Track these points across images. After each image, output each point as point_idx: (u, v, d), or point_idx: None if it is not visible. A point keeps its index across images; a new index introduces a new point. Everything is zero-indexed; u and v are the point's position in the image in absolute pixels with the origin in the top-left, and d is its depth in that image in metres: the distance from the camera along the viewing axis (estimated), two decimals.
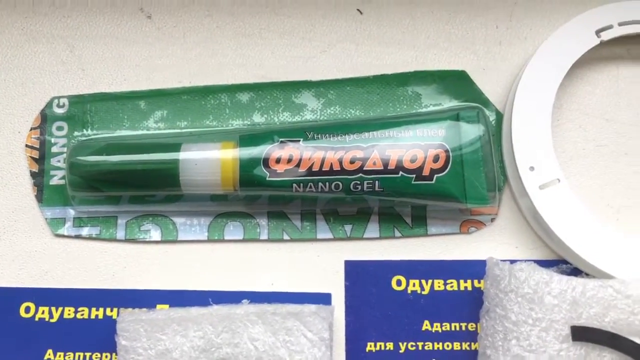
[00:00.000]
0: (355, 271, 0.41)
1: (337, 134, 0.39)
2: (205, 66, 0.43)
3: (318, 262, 0.41)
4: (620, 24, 0.42)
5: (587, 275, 0.39)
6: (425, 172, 0.39)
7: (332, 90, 0.43)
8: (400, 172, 0.39)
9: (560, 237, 0.39)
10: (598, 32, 0.42)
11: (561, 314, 0.36)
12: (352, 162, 0.38)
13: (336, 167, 0.38)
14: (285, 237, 0.41)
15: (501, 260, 0.39)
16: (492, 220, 0.42)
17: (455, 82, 0.43)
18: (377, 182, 0.39)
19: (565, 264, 0.40)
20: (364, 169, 0.38)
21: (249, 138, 0.39)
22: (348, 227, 0.41)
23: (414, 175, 0.39)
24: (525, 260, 0.40)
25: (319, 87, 0.43)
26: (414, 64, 0.44)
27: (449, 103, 0.43)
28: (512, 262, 0.39)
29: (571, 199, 0.40)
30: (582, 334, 0.36)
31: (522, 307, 0.37)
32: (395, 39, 0.44)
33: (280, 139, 0.39)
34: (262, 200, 0.41)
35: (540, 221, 0.40)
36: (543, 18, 0.44)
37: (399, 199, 0.40)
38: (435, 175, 0.39)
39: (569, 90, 0.43)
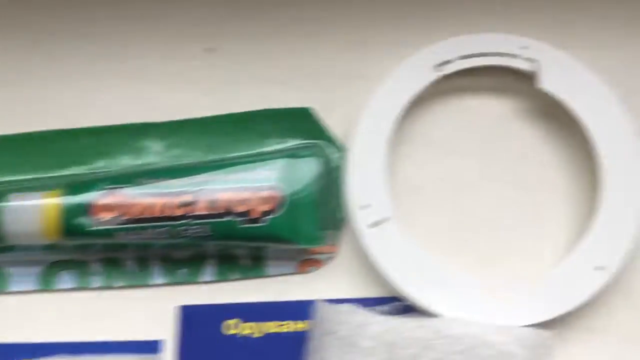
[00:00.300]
0: (188, 316, 0.40)
1: (168, 179, 0.39)
2: (45, 111, 0.43)
3: (151, 308, 0.40)
4: (460, 58, 0.42)
5: (422, 313, 0.38)
6: (255, 214, 0.38)
7: (176, 132, 0.43)
8: (228, 216, 0.38)
9: (388, 275, 0.39)
10: (437, 67, 0.42)
11: (375, 356, 0.36)
12: (179, 207, 0.38)
13: (163, 213, 0.38)
14: (119, 283, 0.41)
15: (335, 300, 0.38)
16: (331, 259, 0.41)
17: (301, 119, 0.43)
18: (205, 226, 0.38)
19: (399, 301, 0.39)
20: (192, 214, 0.38)
21: (74, 186, 0.39)
22: (183, 271, 0.41)
23: (243, 219, 0.38)
24: (363, 299, 0.39)
25: (163, 129, 0.43)
26: (265, 101, 0.44)
27: (293, 141, 0.42)
28: (348, 301, 0.38)
29: (401, 236, 0.39)
30: None
31: (339, 350, 0.36)
32: (244, 77, 0.44)
33: (107, 186, 0.39)
34: (96, 246, 0.41)
35: (371, 259, 0.39)
36: (391, 53, 0.43)
37: (229, 243, 0.39)
38: (266, 218, 0.38)
39: (412, 125, 0.43)
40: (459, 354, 0.36)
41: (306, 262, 0.41)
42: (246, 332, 0.40)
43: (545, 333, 0.36)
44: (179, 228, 0.38)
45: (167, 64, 0.44)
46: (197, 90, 0.44)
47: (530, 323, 0.38)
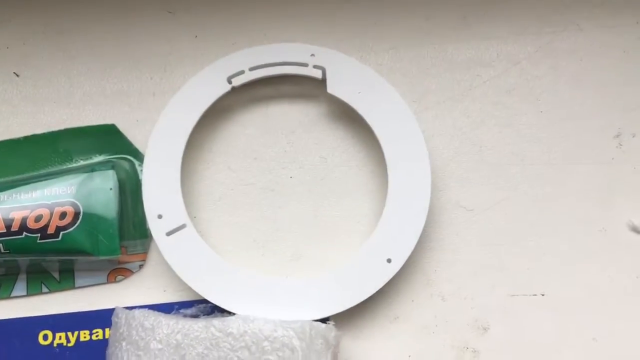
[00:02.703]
0: (3, 330, 0.42)
1: None
2: None
3: None
4: (250, 69, 0.44)
5: (225, 313, 0.41)
6: (51, 230, 0.40)
7: None
8: (24, 233, 0.40)
9: (187, 280, 0.41)
10: (230, 79, 0.44)
11: (164, 358, 0.38)
12: None
13: None
14: None
15: (142, 307, 0.40)
16: (141, 266, 0.43)
17: (105, 135, 0.45)
18: (0, 244, 0.40)
19: (205, 303, 0.41)
20: None
21: None
22: None
23: (39, 235, 0.40)
24: (173, 303, 0.42)
25: None
26: (70, 121, 0.45)
27: (99, 157, 0.44)
28: (157, 307, 0.40)
29: (197, 242, 0.41)
30: None
31: (130, 354, 0.38)
32: (51, 98, 0.46)
33: None
34: None
35: (170, 266, 0.41)
36: (190, 68, 0.45)
37: (35, 258, 0.41)
38: (62, 232, 0.40)
39: (219, 133, 0.45)
40: (244, 349, 0.38)
41: (115, 271, 0.43)
42: (60, 341, 0.42)
43: (322, 326, 0.39)
44: None
45: None
46: (3, 112, 0.45)
47: (325, 316, 0.41)
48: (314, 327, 0.38)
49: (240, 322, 0.38)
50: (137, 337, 0.38)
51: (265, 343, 0.38)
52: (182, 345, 0.38)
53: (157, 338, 0.38)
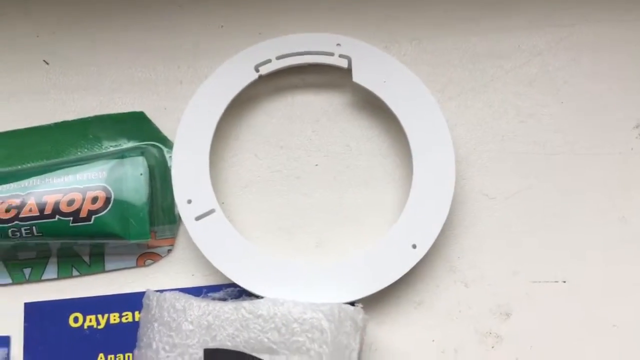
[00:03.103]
0: (34, 312, 0.43)
1: None
2: None
3: None
4: (277, 58, 0.45)
5: (253, 296, 0.41)
6: (83, 214, 0.41)
7: (14, 141, 0.45)
8: (57, 216, 0.41)
9: (216, 264, 0.41)
10: (257, 67, 0.45)
11: (195, 338, 0.38)
12: (7, 210, 0.41)
13: None
14: None
15: (172, 290, 0.41)
16: (169, 251, 0.44)
17: (134, 123, 0.45)
18: (34, 227, 0.41)
19: (233, 287, 0.42)
20: (20, 216, 0.40)
21: None
22: (27, 271, 0.43)
23: (71, 218, 0.41)
24: (202, 287, 0.42)
25: (2, 138, 0.45)
26: (99, 108, 0.46)
27: (128, 144, 0.45)
28: (187, 290, 0.41)
29: (225, 227, 0.42)
30: (212, 356, 0.38)
31: (162, 335, 0.39)
32: (80, 86, 0.47)
33: None
34: None
35: (200, 250, 0.42)
36: (216, 57, 0.46)
37: (67, 241, 0.42)
38: (94, 216, 0.41)
39: (245, 121, 0.46)
40: (274, 330, 0.39)
41: (145, 255, 0.44)
42: (90, 324, 0.43)
43: (351, 308, 0.39)
44: (10, 229, 0.40)
45: (5, 76, 0.46)
46: (34, 100, 0.46)
47: (351, 299, 0.41)
48: (343, 309, 0.39)
49: (270, 305, 0.39)
50: (168, 319, 0.39)
51: (295, 325, 0.38)
52: (213, 327, 0.39)
53: (189, 319, 0.39)
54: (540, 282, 0.43)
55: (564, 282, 0.43)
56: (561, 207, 0.44)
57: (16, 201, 0.40)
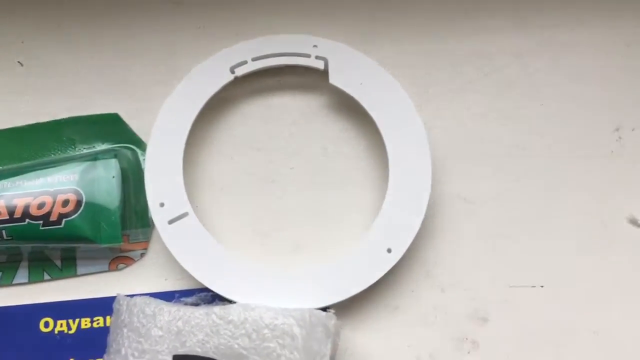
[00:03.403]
0: (4, 317, 0.42)
1: None
2: None
3: None
4: (253, 59, 0.44)
5: (226, 301, 0.41)
6: (54, 217, 0.40)
7: None
8: (27, 220, 0.40)
9: (187, 268, 0.41)
10: (233, 69, 0.44)
11: (165, 344, 0.38)
12: None
13: None
14: None
15: (143, 294, 0.41)
16: (142, 255, 0.43)
17: (109, 124, 0.45)
18: (3, 231, 0.40)
19: (206, 292, 0.42)
20: None
21: None
22: None
23: (42, 222, 0.40)
24: (174, 292, 0.42)
25: None
26: (73, 110, 0.46)
27: (102, 146, 0.44)
28: (157, 295, 0.41)
29: (198, 230, 0.41)
30: None
31: (131, 340, 0.38)
32: (56, 87, 0.46)
33: None
34: None
35: (172, 254, 0.41)
36: (192, 59, 0.46)
37: (37, 245, 0.41)
38: (64, 220, 0.40)
39: (221, 123, 0.45)
40: (244, 336, 0.38)
41: (117, 259, 0.43)
42: (61, 329, 0.42)
43: (322, 314, 0.39)
44: None
45: None
46: (8, 101, 0.46)
47: (325, 305, 0.41)
48: (314, 314, 0.38)
49: (240, 310, 0.38)
50: (138, 324, 0.38)
51: (266, 330, 0.38)
52: (183, 332, 0.38)
53: (158, 325, 0.38)
54: (518, 286, 0.43)
55: (542, 286, 0.43)
56: (540, 211, 0.44)
57: None
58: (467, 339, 0.42)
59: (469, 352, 0.41)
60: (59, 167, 0.42)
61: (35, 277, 0.43)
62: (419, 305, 0.42)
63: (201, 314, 0.38)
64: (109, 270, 0.43)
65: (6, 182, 0.41)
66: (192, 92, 0.44)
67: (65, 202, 0.40)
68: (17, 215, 0.40)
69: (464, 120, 0.45)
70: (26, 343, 0.42)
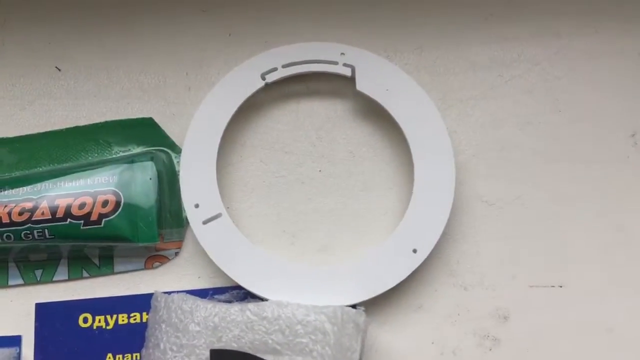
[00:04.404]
0: (45, 312, 0.44)
1: (10, 189, 0.42)
2: None
3: (10, 307, 0.44)
4: (283, 66, 0.46)
5: (258, 298, 0.42)
6: (94, 217, 0.42)
7: (26, 145, 0.46)
8: (69, 219, 0.42)
9: (222, 267, 0.43)
10: (263, 75, 0.46)
11: (202, 339, 0.40)
12: (20, 214, 0.42)
13: (5, 220, 0.42)
14: None
15: (179, 292, 0.42)
16: (177, 254, 0.45)
17: (143, 128, 0.47)
18: (46, 230, 0.42)
19: (239, 289, 0.43)
20: (33, 219, 0.42)
21: None
22: (38, 272, 0.45)
23: (82, 221, 0.42)
24: (208, 289, 0.44)
25: (15, 143, 0.46)
26: (109, 114, 0.47)
27: (137, 149, 0.46)
28: (193, 292, 0.42)
29: (231, 230, 0.43)
30: (218, 357, 0.39)
31: (169, 335, 0.40)
32: (91, 92, 0.48)
33: None
34: None
35: (207, 253, 0.43)
36: (229, 64, 0.47)
37: (77, 244, 0.43)
38: (104, 220, 0.42)
39: (252, 128, 0.47)
40: (278, 332, 0.40)
41: (153, 258, 0.45)
42: (99, 324, 0.44)
43: (353, 311, 0.40)
44: (23, 232, 0.42)
45: (18, 82, 0.48)
46: (46, 105, 0.47)
47: (352, 302, 0.42)
48: (345, 312, 0.40)
49: (274, 307, 0.40)
50: (176, 320, 0.40)
51: (299, 327, 0.40)
52: (219, 328, 0.40)
53: (196, 320, 0.40)
54: (538, 286, 0.44)
55: (561, 286, 0.44)
56: (558, 214, 0.45)
57: (29, 204, 0.42)
58: (488, 336, 0.43)
59: (490, 349, 0.43)
60: (98, 169, 0.43)
61: (74, 275, 0.45)
62: (442, 304, 0.44)
63: (236, 311, 0.40)
64: (145, 268, 0.45)
65: (48, 183, 0.43)
66: (225, 97, 0.45)
67: (105, 203, 0.42)
68: (59, 215, 0.42)
69: (485, 125, 0.47)
70: (66, 338, 0.44)
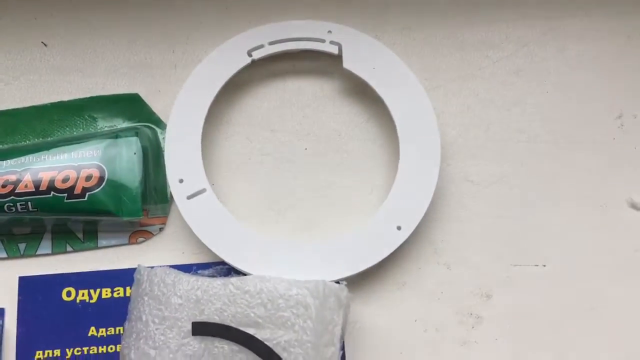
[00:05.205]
0: (28, 286, 0.44)
1: None
2: None
3: None
4: (270, 43, 0.46)
5: (241, 274, 0.43)
6: (77, 190, 0.42)
7: (11, 119, 0.46)
8: (52, 192, 0.42)
9: (206, 242, 0.43)
10: (250, 52, 0.46)
11: (184, 312, 0.40)
12: (3, 186, 0.42)
13: None
14: None
15: (160, 266, 0.42)
16: (161, 229, 0.45)
17: (129, 104, 0.47)
18: (29, 202, 0.42)
19: (222, 265, 0.43)
20: (16, 191, 0.42)
21: None
22: (22, 246, 0.44)
23: (66, 195, 0.42)
24: (192, 265, 0.44)
25: (2, 117, 0.46)
26: (95, 89, 0.47)
27: (122, 124, 0.46)
28: (175, 267, 0.42)
29: (216, 206, 0.43)
30: (200, 329, 0.39)
31: (151, 308, 0.40)
32: (77, 67, 0.48)
33: None
34: None
35: (190, 228, 0.43)
36: (209, 42, 0.47)
37: (61, 217, 0.43)
38: (88, 193, 0.42)
39: (238, 105, 0.47)
40: (260, 306, 0.40)
41: (137, 233, 0.45)
42: (83, 298, 0.44)
43: (335, 285, 0.41)
44: (6, 204, 0.41)
45: (4, 57, 0.48)
46: (32, 80, 0.47)
47: (336, 278, 0.42)
48: (327, 286, 0.40)
49: (256, 281, 0.40)
50: (158, 293, 0.40)
51: (280, 300, 0.40)
52: (202, 301, 0.40)
53: (178, 293, 0.40)
54: (521, 265, 0.44)
55: (544, 265, 0.44)
56: (543, 194, 0.45)
57: (12, 177, 0.42)
58: (471, 314, 0.44)
59: (472, 327, 0.43)
60: (82, 144, 0.43)
61: (58, 249, 0.45)
62: (426, 282, 0.44)
63: (219, 284, 0.40)
64: (129, 243, 0.45)
65: (32, 157, 0.43)
66: (211, 74, 0.45)
67: (89, 177, 0.42)
68: (43, 188, 0.42)
69: (471, 105, 0.47)
70: (49, 311, 0.44)
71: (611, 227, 0.45)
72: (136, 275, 0.42)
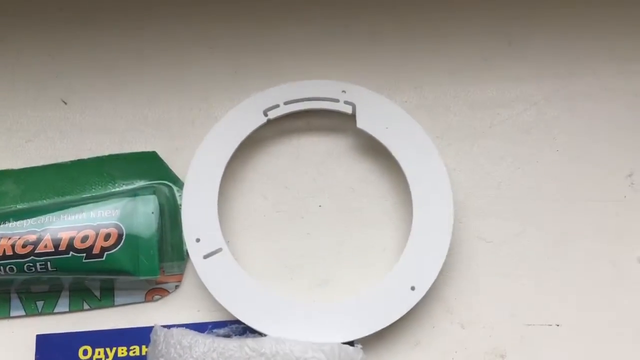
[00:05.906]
0: (45, 344, 0.44)
1: (14, 221, 0.43)
2: None
3: (12, 337, 0.45)
4: (285, 103, 0.47)
5: (257, 333, 0.43)
6: (96, 250, 0.43)
7: (31, 177, 0.47)
8: (71, 252, 0.43)
9: (221, 301, 0.43)
10: (266, 112, 0.47)
11: None
12: (24, 246, 0.42)
13: (9, 252, 0.42)
14: None
15: (179, 325, 0.43)
16: (177, 287, 0.45)
17: (147, 162, 0.47)
18: (49, 263, 0.42)
19: (237, 324, 0.44)
20: (36, 251, 0.42)
21: None
22: (40, 304, 0.45)
23: (84, 254, 0.43)
24: (207, 323, 0.44)
25: (20, 175, 0.47)
26: (113, 147, 0.48)
27: (140, 182, 0.47)
28: (190, 325, 0.43)
29: (231, 265, 0.44)
30: None
31: None
32: (96, 125, 0.49)
33: None
34: None
35: (207, 287, 0.43)
36: (226, 101, 0.48)
37: (79, 277, 0.44)
38: (106, 253, 0.43)
39: (253, 163, 0.48)
40: None
41: (153, 291, 0.45)
42: (99, 357, 0.44)
43: (351, 348, 0.41)
44: (26, 264, 0.42)
45: (24, 114, 0.49)
46: (52, 138, 0.48)
47: (351, 339, 0.43)
48: (343, 349, 0.40)
49: (272, 343, 0.41)
50: (175, 355, 0.40)
51: None
52: None
53: (194, 356, 0.40)
54: (534, 325, 0.45)
55: (558, 325, 0.44)
56: (555, 252, 0.46)
57: (32, 237, 0.42)
58: None
59: None
60: (101, 203, 0.44)
61: (75, 307, 0.45)
62: (440, 341, 0.44)
63: (235, 346, 0.41)
64: (145, 301, 0.45)
65: (52, 216, 0.43)
66: (228, 132, 0.46)
67: (107, 236, 0.43)
68: (62, 247, 0.42)
69: (482, 163, 0.48)
70: None
71: (623, 285, 0.45)
72: (152, 336, 0.42)
